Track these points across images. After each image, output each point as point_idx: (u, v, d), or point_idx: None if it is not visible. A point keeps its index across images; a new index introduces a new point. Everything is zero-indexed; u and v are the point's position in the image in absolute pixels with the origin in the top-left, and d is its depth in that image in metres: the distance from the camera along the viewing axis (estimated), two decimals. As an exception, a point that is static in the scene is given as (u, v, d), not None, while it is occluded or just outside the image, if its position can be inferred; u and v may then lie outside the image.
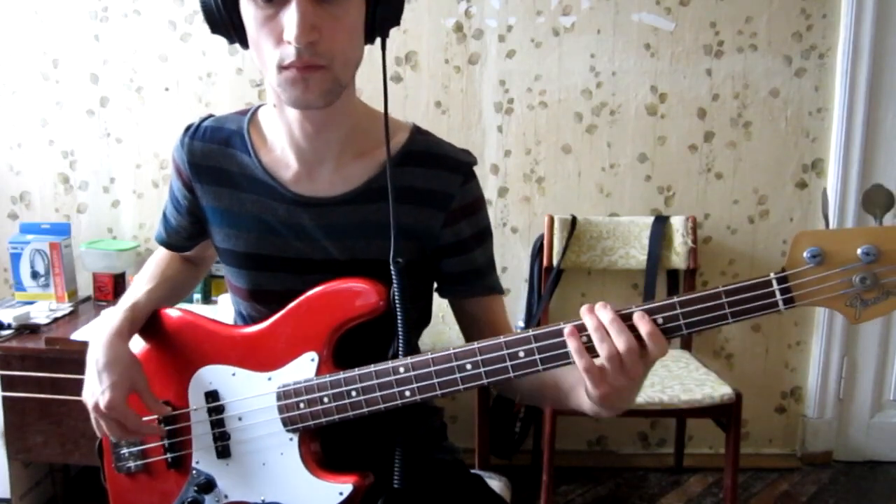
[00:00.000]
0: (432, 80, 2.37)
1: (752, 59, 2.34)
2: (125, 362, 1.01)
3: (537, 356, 0.89)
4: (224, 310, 2.04)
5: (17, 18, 2.40)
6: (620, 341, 0.84)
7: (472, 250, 1.09)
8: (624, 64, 2.35)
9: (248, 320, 1.13)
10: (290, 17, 0.85)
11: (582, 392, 0.94)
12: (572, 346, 0.86)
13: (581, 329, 0.86)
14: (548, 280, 2.34)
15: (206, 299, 2.28)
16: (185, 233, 1.17)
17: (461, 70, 2.37)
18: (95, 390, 1.00)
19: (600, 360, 0.85)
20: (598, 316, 0.86)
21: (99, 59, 2.40)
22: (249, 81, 2.39)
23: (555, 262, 2.33)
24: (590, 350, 0.86)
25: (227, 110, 1.13)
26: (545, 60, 2.36)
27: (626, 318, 0.85)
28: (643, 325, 0.84)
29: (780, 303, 0.82)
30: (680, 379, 2.05)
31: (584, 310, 0.87)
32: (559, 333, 0.88)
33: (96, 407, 1.00)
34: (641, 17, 2.33)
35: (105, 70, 2.41)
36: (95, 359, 1.01)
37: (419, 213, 1.04)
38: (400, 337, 0.98)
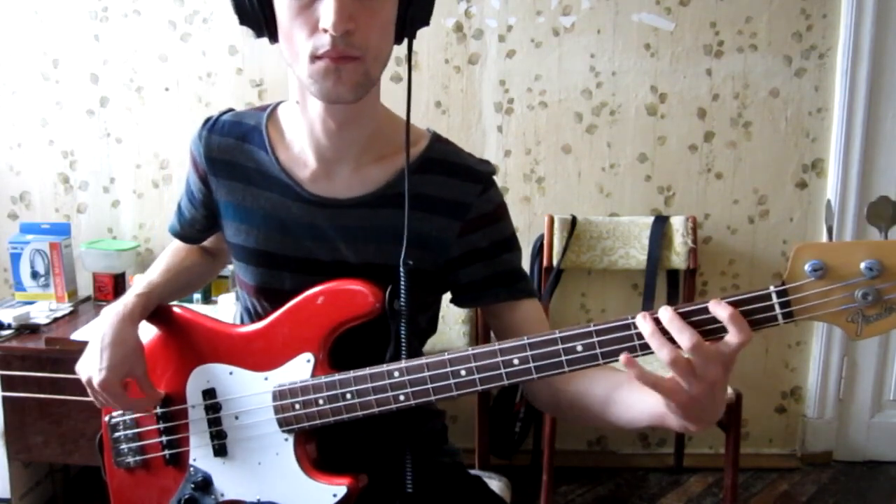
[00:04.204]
0: (432, 80, 2.37)
1: (752, 59, 2.33)
2: (129, 346, 1.01)
3: (532, 364, 0.88)
4: (224, 309, 2.05)
5: (17, 18, 2.40)
6: (684, 338, 0.78)
7: (497, 256, 1.06)
8: (624, 64, 2.35)
9: (255, 316, 1.13)
10: (327, 6, 0.86)
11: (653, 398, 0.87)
12: (646, 329, 0.81)
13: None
14: (548, 280, 2.34)
15: (206, 299, 2.28)
16: (199, 225, 1.18)
17: (461, 70, 2.37)
18: (93, 366, 1.00)
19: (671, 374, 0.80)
20: (659, 315, 0.81)
21: (99, 59, 2.41)
22: (249, 81, 2.39)
23: (555, 262, 2.33)
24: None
25: (227, 110, 1.13)
26: (545, 60, 2.35)
27: (685, 316, 0.80)
28: (720, 309, 0.78)
29: (780, 317, 0.79)
30: (679, 379, 2.05)
31: (639, 316, 0.82)
32: (554, 342, 0.87)
33: (89, 382, 1.01)
34: (641, 17, 2.32)
35: (105, 70, 2.41)
36: (102, 334, 1.01)
37: (435, 221, 1.03)
38: (402, 341, 0.98)
